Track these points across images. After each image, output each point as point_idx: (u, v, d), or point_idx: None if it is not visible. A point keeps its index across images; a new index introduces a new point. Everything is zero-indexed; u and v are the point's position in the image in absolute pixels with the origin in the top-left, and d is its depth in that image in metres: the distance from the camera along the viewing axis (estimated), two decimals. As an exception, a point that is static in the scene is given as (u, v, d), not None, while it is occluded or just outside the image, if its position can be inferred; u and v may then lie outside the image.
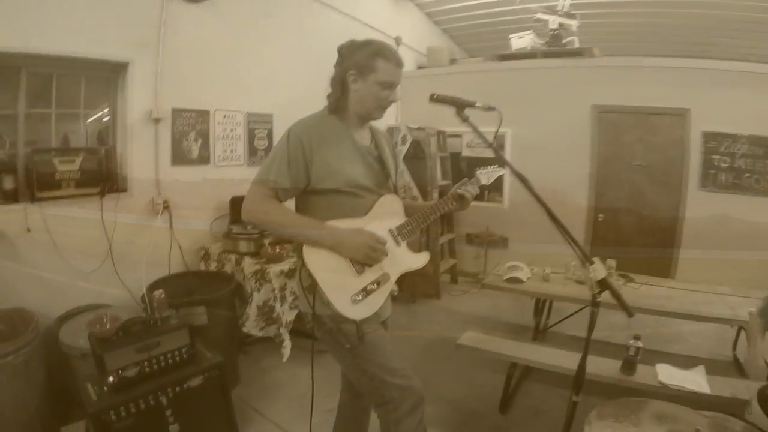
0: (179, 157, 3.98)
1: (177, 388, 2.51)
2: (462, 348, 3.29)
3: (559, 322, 4.16)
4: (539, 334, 4.19)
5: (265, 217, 1.79)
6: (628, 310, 1.56)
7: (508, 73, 6.07)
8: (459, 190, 2.01)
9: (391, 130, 5.64)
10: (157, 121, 3.75)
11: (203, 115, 4.15)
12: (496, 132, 1.98)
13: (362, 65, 1.81)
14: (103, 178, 3.42)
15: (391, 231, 1.93)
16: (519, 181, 1.87)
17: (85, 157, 3.33)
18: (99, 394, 2.32)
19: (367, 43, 1.86)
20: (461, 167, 6.56)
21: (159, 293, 2.68)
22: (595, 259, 1.62)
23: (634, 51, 6.84)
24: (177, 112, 3.93)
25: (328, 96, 1.90)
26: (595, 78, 5.72)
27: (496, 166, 2.19)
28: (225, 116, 4.35)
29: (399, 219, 1.97)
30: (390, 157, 2.07)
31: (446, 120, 6.00)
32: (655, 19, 6.46)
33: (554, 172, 5.63)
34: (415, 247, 2.03)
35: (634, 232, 5.77)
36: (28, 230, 3.04)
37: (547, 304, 4.28)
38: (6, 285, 2.96)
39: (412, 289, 5.43)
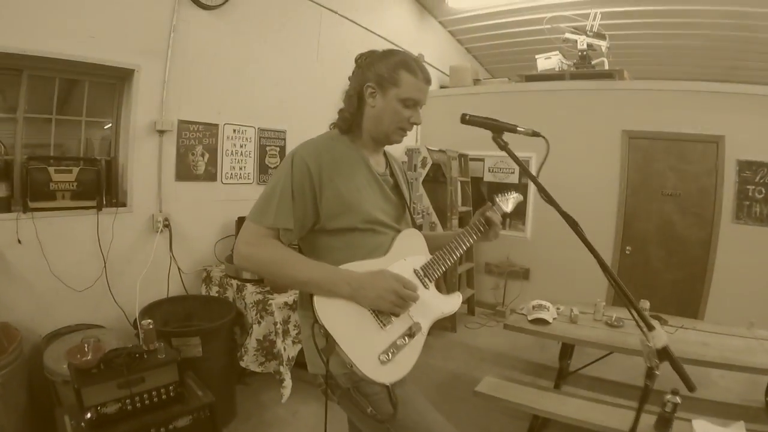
0: (184, 173, 3.76)
1: (162, 429, 2.28)
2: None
3: (585, 366, 3.87)
4: (565, 378, 3.89)
5: (265, 261, 1.46)
6: (690, 384, 1.29)
7: (535, 94, 5.83)
8: (488, 214, 1.77)
9: (411, 152, 5.48)
10: (161, 132, 3.54)
11: (211, 128, 3.94)
12: (543, 162, 1.72)
13: (383, 77, 1.54)
14: (102, 190, 3.22)
15: (416, 272, 1.62)
16: (568, 224, 1.62)
17: (83, 168, 3.14)
18: (76, 430, 2.09)
19: (391, 53, 1.60)
20: (482, 192, 6.36)
21: (147, 323, 2.45)
22: (656, 324, 1.36)
23: (666, 75, 6.59)
24: (183, 124, 3.72)
25: (340, 112, 1.64)
26: (626, 102, 5.47)
27: (513, 192, 1.98)
28: (235, 131, 4.13)
29: (423, 257, 1.67)
30: (404, 185, 1.81)
31: (468, 143, 6.09)
32: (689, 41, 6.22)
33: (581, 200, 5.24)
34: (440, 286, 1.74)
35: (663, 266, 5.46)
36: (19, 242, 2.87)
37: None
38: None
39: None
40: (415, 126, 1.66)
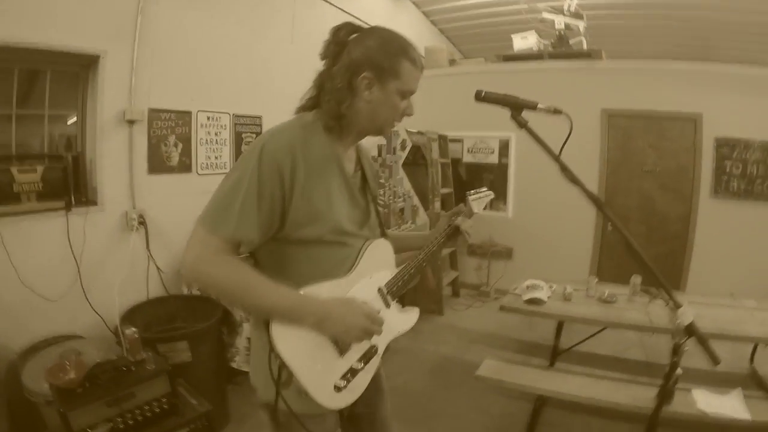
0: (157, 165, 3.53)
1: (158, 446, 2.11)
2: (474, 372, 3.12)
3: (579, 343, 3.88)
4: (558, 356, 3.88)
5: (223, 285, 1.23)
6: (715, 358, 1.28)
7: (512, 74, 5.76)
8: (456, 223, 1.66)
9: (390, 135, 5.27)
10: (131, 123, 3.30)
11: (184, 116, 3.70)
12: (565, 141, 1.55)
13: (382, 67, 1.32)
14: (70, 189, 3.00)
15: (380, 290, 1.49)
16: (595, 206, 1.51)
17: (49, 166, 2.91)
18: (64, 458, 1.92)
19: (389, 37, 1.37)
20: (460, 174, 6.29)
21: (132, 332, 2.28)
22: (684, 302, 1.35)
23: (644, 54, 6.59)
24: (154, 113, 3.47)
25: (327, 104, 1.35)
26: (604, 81, 5.49)
27: (485, 189, 1.84)
28: (209, 118, 3.91)
29: (389, 272, 1.54)
30: (373, 181, 1.62)
31: (445, 124, 6.01)
32: (666, 21, 6.21)
33: (560, 180, 5.28)
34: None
35: (644, 242, 5.51)
36: (-18, 251, 2.63)
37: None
38: None
39: (413, 305, 5.01)
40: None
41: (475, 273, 6.27)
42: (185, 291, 3.59)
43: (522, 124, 1.52)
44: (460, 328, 5.10)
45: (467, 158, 6.26)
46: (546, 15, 5.75)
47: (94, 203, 3.18)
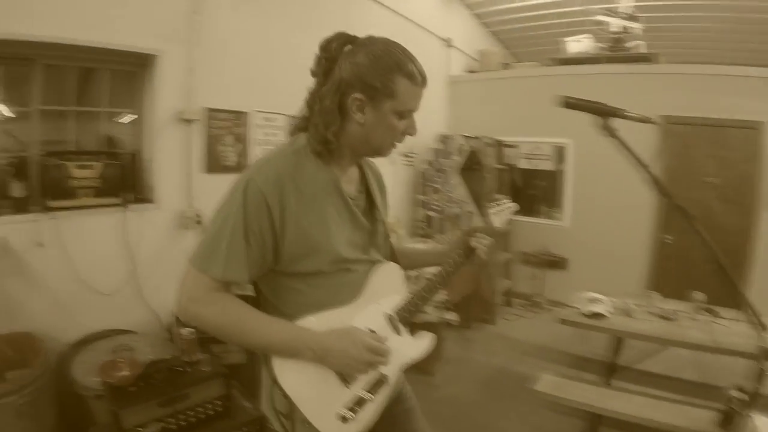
0: (213, 164, 3.52)
1: (208, 448, 2.08)
2: (527, 385, 3.10)
3: (638, 362, 3.74)
4: (615, 372, 3.73)
5: (216, 324, 1.18)
6: None
7: (567, 78, 5.58)
8: (472, 244, 1.53)
9: (446, 139, 5.29)
10: (188, 122, 3.31)
11: (240, 116, 3.70)
12: (657, 152, 1.46)
13: (374, 87, 1.20)
14: (127, 186, 3.03)
15: (389, 317, 1.40)
16: (683, 217, 1.40)
17: (106, 163, 2.94)
18: (113, 456, 1.90)
19: (382, 51, 1.23)
20: (515, 180, 6.13)
21: (188, 332, 2.25)
22: None
23: (705, 58, 6.32)
24: (211, 113, 3.48)
25: (315, 129, 1.25)
26: (664, 86, 5.23)
27: (507, 201, 1.72)
28: (265, 119, 3.89)
29: (398, 296, 1.45)
30: (380, 197, 1.50)
31: (500, 129, 5.88)
32: (729, 24, 5.96)
33: (618, 189, 5.23)
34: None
35: (703, 256, 5.22)
36: (40, 244, 2.67)
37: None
38: (14, 305, 2.62)
39: (466, 314, 4.97)
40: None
41: (528, 283, 6.11)
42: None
43: (611, 132, 1.47)
44: (512, 338, 4.99)
45: (523, 164, 6.09)
46: (601, 17, 5.57)
47: (151, 201, 3.19)
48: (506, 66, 6.45)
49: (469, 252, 1.52)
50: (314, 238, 1.22)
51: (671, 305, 3.35)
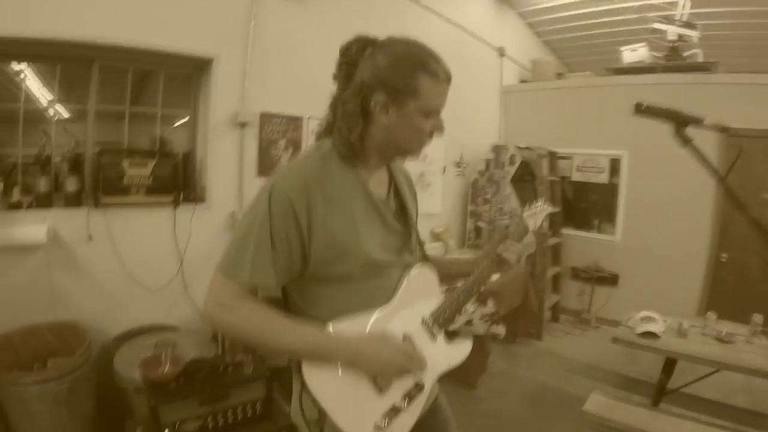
0: (266, 168, 3.52)
1: (245, 449, 2.06)
2: (573, 403, 3.04)
3: (689, 384, 3.56)
4: (663, 396, 3.57)
5: (243, 330, 1.15)
6: None
7: (622, 88, 5.40)
8: (501, 253, 1.45)
9: (498, 149, 5.20)
10: (242, 125, 3.33)
11: (295, 121, 3.72)
12: (733, 163, 1.40)
13: (397, 88, 1.18)
14: (179, 185, 3.06)
15: (424, 321, 1.35)
16: (760, 234, 1.31)
17: (159, 162, 2.97)
18: (150, 451, 1.90)
19: (402, 50, 1.22)
20: (566, 193, 5.97)
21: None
22: None
23: (766, 68, 6.05)
24: (265, 117, 3.49)
25: (338, 132, 1.23)
26: (721, 96, 4.98)
27: (542, 202, 1.65)
28: (319, 124, 3.85)
29: (434, 300, 1.40)
30: (411, 201, 1.46)
31: (553, 140, 5.73)
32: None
33: (674, 204, 5.09)
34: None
35: (762, 275, 4.99)
36: (90, 238, 2.75)
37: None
38: (61, 295, 2.69)
39: (513, 328, 4.84)
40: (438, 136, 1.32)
41: (576, 299, 5.93)
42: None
43: (686, 141, 1.40)
44: (559, 355, 4.86)
45: (576, 176, 5.90)
46: (657, 25, 5.36)
47: (202, 201, 3.23)
48: (560, 76, 6.31)
49: (499, 260, 1.45)
50: (343, 241, 1.18)
51: (727, 327, 3.21)
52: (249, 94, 3.33)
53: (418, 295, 1.36)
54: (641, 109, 1.42)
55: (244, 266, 1.12)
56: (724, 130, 1.39)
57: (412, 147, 1.27)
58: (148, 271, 2.98)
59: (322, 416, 1.18)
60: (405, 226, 1.38)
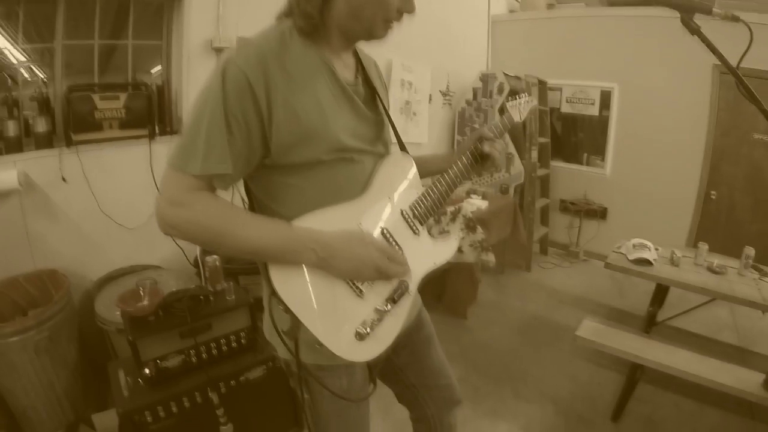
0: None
1: (232, 382, 2.03)
2: (563, 333, 3.10)
3: (679, 314, 3.60)
4: (653, 327, 3.58)
5: (199, 229, 1.00)
6: None
7: (617, 20, 5.23)
8: (486, 150, 1.34)
9: (486, 77, 5.06)
10: (218, 51, 3.13)
11: (272, 44, 3.52)
12: (744, 54, 1.37)
13: None
14: (153, 118, 2.92)
15: (404, 214, 1.23)
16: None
17: (132, 94, 2.81)
18: (132, 389, 1.83)
19: None
20: (554, 127, 5.86)
21: (212, 259, 2.15)
22: None
23: (759, 8, 5.89)
24: (243, 41, 3.28)
25: (298, 6, 1.09)
26: (719, 34, 4.83)
27: (526, 95, 1.54)
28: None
29: (414, 191, 1.28)
30: (383, 91, 1.34)
31: (543, 70, 5.52)
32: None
33: (665, 139, 5.03)
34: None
35: (749, 215, 5.03)
36: (64, 180, 2.64)
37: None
38: (38, 243, 2.60)
39: (501, 258, 4.87)
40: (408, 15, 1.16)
41: (565, 231, 5.94)
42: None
43: (694, 30, 1.35)
44: (548, 287, 4.89)
45: (565, 108, 5.77)
46: (654, -42, 5.20)
47: (179, 132, 3.07)
48: (550, 6, 6.07)
49: (483, 157, 1.35)
50: (308, 120, 1.05)
51: (719, 259, 3.18)
52: (225, 18, 3.13)
53: (396, 185, 1.25)
54: (639, -5, 1.30)
55: (196, 155, 0.98)
56: (734, 18, 1.32)
57: (376, 25, 1.12)
58: (127, 209, 2.88)
59: (294, 325, 1.06)
60: (377, 115, 1.25)
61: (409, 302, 1.22)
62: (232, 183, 1.06)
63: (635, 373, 2.84)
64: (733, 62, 1.32)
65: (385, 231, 1.17)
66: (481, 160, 1.35)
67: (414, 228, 1.24)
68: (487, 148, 1.33)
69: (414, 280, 1.22)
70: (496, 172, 5.34)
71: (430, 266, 1.27)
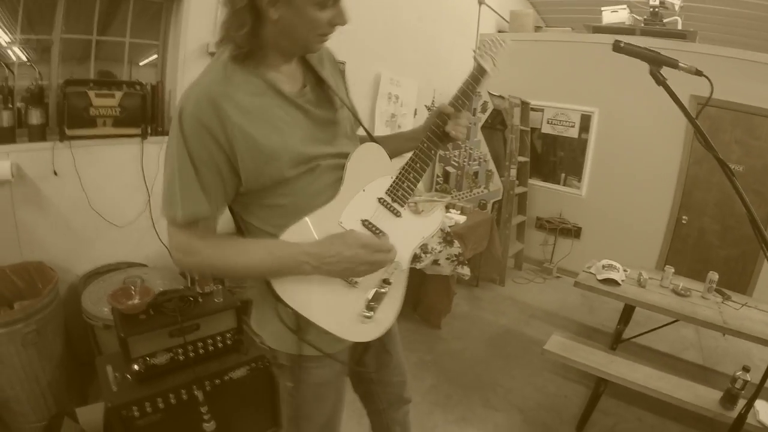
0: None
1: (216, 381, 2.09)
2: (533, 347, 3.09)
3: (644, 333, 3.79)
4: (619, 344, 3.72)
5: (210, 268, 1.17)
6: None
7: (600, 47, 5.30)
8: (448, 131, 1.36)
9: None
10: (214, 55, 3.19)
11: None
12: (705, 104, 1.53)
13: None
14: (147, 117, 2.95)
15: (382, 201, 1.29)
16: (725, 173, 1.39)
17: (127, 92, 2.85)
18: (120, 384, 1.88)
19: None
20: (535, 146, 6.00)
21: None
22: None
23: (741, 44, 6.10)
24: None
25: (226, 34, 1.11)
26: (697, 65, 5.04)
27: (495, 38, 1.46)
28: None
29: (387, 178, 1.32)
30: (335, 80, 1.34)
31: (526, 91, 5.65)
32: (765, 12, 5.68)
33: (641, 164, 5.22)
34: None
35: (717, 240, 5.23)
36: (55, 173, 2.65)
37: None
38: (27, 235, 2.61)
39: (476, 272, 4.97)
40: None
41: (540, 248, 6.10)
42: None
43: (660, 81, 1.46)
44: (520, 301, 5.00)
45: (546, 129, 5.93)
46: (640, -12, 5.36)
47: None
48: (538, 29, 6.26)
49: (445, 135, 1.37)
50: (268, 143, 1.10)
51: (684, 282, 3.35)
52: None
53: (368, 175, 1.29)
54: (620, 47, 1.44)
55: (176, 202, 1.08)
56: (698, 72, 1.45)
57: (310, 41, 1.15)
58: (116, 206, 2.91)
59: (304, 322, 1.19)
60: (333, 111, 1.29)
61: (405, 278, 1.33)
62: (214, 220, 1.16)
63: (600, 387, 2.95)
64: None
65: (366, 222, 1.25)
66: (444, 137, 1.38)
67: (394, 211, 1.30)
68: (448, 127, 1.35)
69: (405, 257, 1.32)
70: (462, 144, 5.39)
71: (419, 241, 1.36)
